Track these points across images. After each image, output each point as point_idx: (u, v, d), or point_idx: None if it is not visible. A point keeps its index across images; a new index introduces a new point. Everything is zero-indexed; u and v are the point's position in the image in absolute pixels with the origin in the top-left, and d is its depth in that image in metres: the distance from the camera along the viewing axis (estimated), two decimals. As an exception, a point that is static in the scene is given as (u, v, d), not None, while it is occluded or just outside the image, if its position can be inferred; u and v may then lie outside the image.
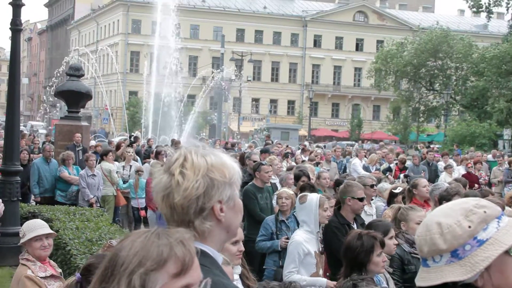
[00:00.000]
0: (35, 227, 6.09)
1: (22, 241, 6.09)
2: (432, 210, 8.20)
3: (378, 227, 6.00)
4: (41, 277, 5.92)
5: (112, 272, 1.84)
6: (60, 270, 6.43)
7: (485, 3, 54.59)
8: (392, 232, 6.13)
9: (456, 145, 40.84)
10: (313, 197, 7.51)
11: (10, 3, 12.25)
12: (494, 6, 55.64)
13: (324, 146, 38.35)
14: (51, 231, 6.21)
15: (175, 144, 25.08)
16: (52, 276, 6.02)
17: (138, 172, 16.21)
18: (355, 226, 7.61)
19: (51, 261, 6.43)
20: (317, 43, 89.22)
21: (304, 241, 7.28)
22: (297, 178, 11.46)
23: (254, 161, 12.83)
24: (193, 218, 2.34)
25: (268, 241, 8.97)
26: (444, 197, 8.15)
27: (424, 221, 2.30)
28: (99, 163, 16.20)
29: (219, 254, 2.42)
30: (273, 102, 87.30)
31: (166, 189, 2.35)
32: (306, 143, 41.69)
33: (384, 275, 5.83)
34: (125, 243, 1.88)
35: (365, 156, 21.90)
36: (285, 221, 9.09)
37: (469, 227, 2.19)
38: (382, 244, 5.35)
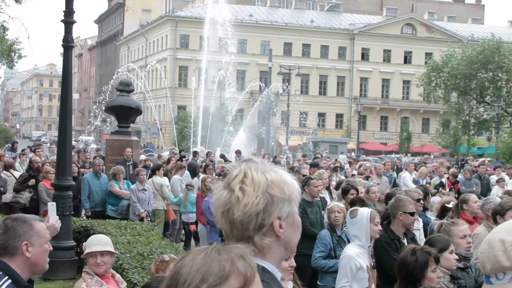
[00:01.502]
0: (92, 243, 6.10)
1: (84, 254, 6.17)
2: (482, 225, 8.14)
3: (437, 242, 5.93)
4: (95, 292, 5.94)
5: None
6: (124, 286, 6.36)
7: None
8: (452, 247, 6.03)
9: (496, 158, 40.18)
10: (364, 212, 7.44)
11: (62, 21, 12.46)
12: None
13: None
14: (107, 249, 6.07)
15: (224, 158, 25.21)
16: None
17: (188, 186, 16.24)
18: (405, 241, 7.52)
19: (117, 276, 6.38)
20: (365, 56, 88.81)
21: (356, 255, 7.23)
22: (345, 191, 11.37)
23: (303, 175, 12.81)
24: (253, 234, 2.35)
25: (330, 260, 8.83)
26: (498, 212, 8.00)
27: (486, 238, 2.26)
28: (149, 177, 16.30)
29: (277, 270, 2.41)
30: (321, 115, 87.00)
31: (226, 204, 2.36)
32: (342, 156, 41.47)
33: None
34: (186, 261, 1.88)
35: (415, 170, 21.69)
36: (341, 236, 9.00)
37: (533, 244, 2.15)
38: (437, 260, 5.28)
